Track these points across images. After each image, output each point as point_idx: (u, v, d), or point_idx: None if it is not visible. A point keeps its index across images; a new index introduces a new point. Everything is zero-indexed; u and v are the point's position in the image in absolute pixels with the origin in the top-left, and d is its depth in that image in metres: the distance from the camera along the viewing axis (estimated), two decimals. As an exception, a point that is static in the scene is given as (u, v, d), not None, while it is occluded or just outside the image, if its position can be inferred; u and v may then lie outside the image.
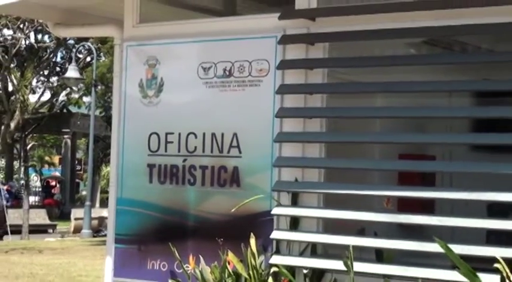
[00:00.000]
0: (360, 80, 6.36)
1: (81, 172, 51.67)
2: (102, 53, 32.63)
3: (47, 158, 58.29)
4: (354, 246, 5.38)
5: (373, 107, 6.45)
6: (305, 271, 5.82)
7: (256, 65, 6.22)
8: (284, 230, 6.01)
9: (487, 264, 4.89)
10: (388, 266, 5.48)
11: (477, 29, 5.63)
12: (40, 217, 31.42)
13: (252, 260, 5.81)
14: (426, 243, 5.28)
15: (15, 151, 39.93)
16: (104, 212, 24.25)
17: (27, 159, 37.44)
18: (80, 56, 33.58)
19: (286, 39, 6.09)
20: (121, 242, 6.84)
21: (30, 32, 28.71)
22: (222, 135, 6.36)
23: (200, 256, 6.16)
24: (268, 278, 5.78)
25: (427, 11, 5.61)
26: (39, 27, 27.25)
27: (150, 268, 6.64)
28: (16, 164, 43.30)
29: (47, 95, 35.44)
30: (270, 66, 6.15)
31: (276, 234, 5.97)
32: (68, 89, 34.04)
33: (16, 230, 27.71)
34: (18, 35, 27.27)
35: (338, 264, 5.42)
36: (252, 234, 5.88)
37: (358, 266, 5.33)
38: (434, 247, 5.06)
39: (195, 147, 6.49)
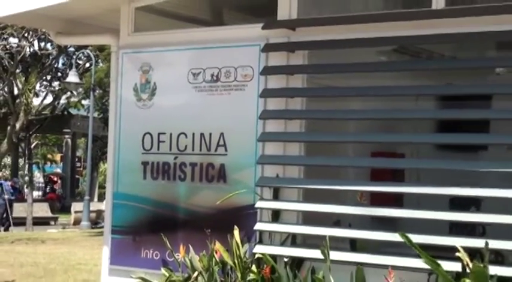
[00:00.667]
0: (336, 84, 6.37)
1: (81, 169, 51.47)
2: (100, 60, 32.54)
3: (49, 156, 58.06)
4: (330, 237, 5.41)
5: (348, 110, 6.44)
6: (286, 259, 5.81)
7: (241, 70, 6.22)
8: (266, 222, 6.01)
9: (450, 253, 4.92)
10: (361, 255, 5.50)
11: (441, 39, 5.65)
12: (43, 210, 31.32)
13: (237, 250, 5.82)
14: (396, 234, 5.28)
15: (20, 149, 39.80)
16: (102, 206, 24.16)
17: (31, 157, 37.27)
18: (80, 62, 33.45)
19: (268, 47, 6.09)
20: (117, 233, 6.82)
21: (34, 40, 28.55)
22: (210, 135, 6.36)
23: (190, 246, 6.17)
24: (251, 266, 5.78)
25: (396, 22, 5.63)
26: (42, 36, 27.12)
27: (144, 257, 6.63)
28: (21, 161, 43.15)
29: (49, 98, 35.27)
30: (254, 72, 6.16)
31: (259, 226, 5.98)
32: (69, 92, 33.90)
33: (21, 222, 27.65)
34: (23, 43, 27.15)
35: (316, 253, 5.47)
36: (237, 225, 5.91)
37: (334, 255, 5.36)
38: (402, 237, 5.09)
39: (185, 146, 6.48)
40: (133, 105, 6.79)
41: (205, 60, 6.42)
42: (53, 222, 30.77)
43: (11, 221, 27.31)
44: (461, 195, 5.39)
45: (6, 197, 28.01)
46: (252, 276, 5.75)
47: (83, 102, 37.28)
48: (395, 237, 5.27)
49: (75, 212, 30.23)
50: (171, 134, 6.56)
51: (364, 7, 6.74)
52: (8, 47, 26.19)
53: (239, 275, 5.77)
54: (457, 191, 5.32)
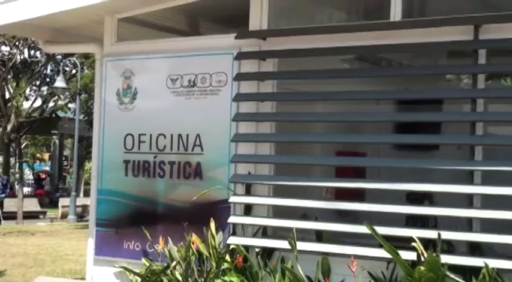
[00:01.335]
0: (304, 89, 6.37)
1: (68, 167, 51.10)
2: (85, 67, 32.35)
3: (38, 155, 57.59)
4: (297, 229, 5.44)
5: (314, 112, 6.45)
6: (257, 250, 5.82)
7: (216, 77, 6.21)
8: (239, 215, 6.00)
9: (406, 243, 4.94)
10: (326, 245, 5.50)
11: (398, 48, 5.68)
12: (32, 205, 31.02)
13: (212, 241, 5.81)
14: (358, 225, 5.31)
15: (11, 149, 39.43)
16: (87, 201, 24.01)
17: (22, 156, 36.99)
18: (67, 69, 33.27)
19: (241, 56, 6.09)
20: (101, 226, 6.77)
21: (24, 48, 28.36)
22: (187, 136, 6.33)
23: (168, 237, 6.16)
24: (225, 256, 5.77)
25: (357, 32, 5.65)
26: (32, 45, 26.95)
27: (126, 248, 6.59)
28: (12, 160, 42.76)
29: (38, 102, 35.05)
30: (227, 78, 6.14)
31: (232, 219, 5.97)
32: (56, 97, 33.68)
33: (12, 216, 27.45)
34: (14, 51, 26.97)
35: (285, 244, 5.47)
36: (212, 219, 5.91)
37: (302, 245, 5.39)
38: (364, 229, 5.11)
39: (164, 146, 6.46)
40: (116, 108, 6.75)
41: (182, 67, 6.40)
42: (41, 216, 30.49)
43: (1, 217, 27.00)
44: (416, 190, 5.42)
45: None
46: (226, 265, 5.74)
47: (70, 105, 37.01)
48: (357, 229, 5.31)
49: (63, 206, 30.01)
50: (151, 135, 6.53)
51: (329, 19, 6.76)
52: (0, 54, 25.96)
53: (214, 264, 5.75)
54: (412, 186, 5.35)
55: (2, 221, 26.59)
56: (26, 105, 33.56)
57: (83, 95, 32.41)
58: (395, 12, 5.57)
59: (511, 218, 4.91)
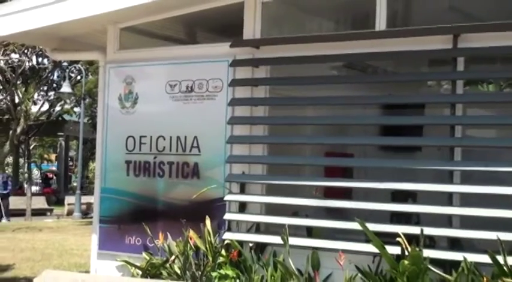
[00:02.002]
0: (295, 94, 6.35)
1: (73, 167, 51.10)
2: (89, 73, 32.35)
3: (45, 155, 57.59)
4: (289, 225, 5.42)
5: (305, 116, 6.45)
6: (251, 244, 5.79)
7: (212, 82, 6.18)
8: (234, 213, 5.98)
9: (391, 238, 4.93)
10: (316, 240, 5.48)
11: (383, 56, 5.67)
12: (40, 203, 30.98)
13: (209, 236, 5.80)
14: (346, 222, 5.30)
15: (20, 150, 39.35)
16: (91, 199, 23.97)
17: (30, 156, 36.97)
18: (72, 75, 33.18)
19: (236, 63, 6.06)
20: (104, 222, 6.74)
21: (32, 55, 28.27)
22: (185, 138, 6.30)
23: (168, 233, 6.14)
24: (221, 250, 5.76)
25: (345, 41, 5.63)
26: (40, 52, 26.84)
27: (128, 243, 6.56)
28: (21, 160, 42.68)
29: (46, 106, 34.94)
30: (223, 84, 6.12)
31: (227, 216, 5.94)
32: (62, 101, 33.64)
33: (21, 213, 27.41)
34: (23, 58, 26.91)
35: (277, 239, 5.46)
36: (208, 216, 5.88)
37: (293, 241, 5.37)
38: (352, 225, 5.11)
39: (164, 147, 6.42)
40: (118, 112, 6.72)
41: (181, 73, 6.37)
42: (49, 213, 30.46)
43: (3, 213, 26.85)
44: (400, 189, 5.40)
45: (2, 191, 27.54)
46: (221, 259, 5.72)
47: (75, 109, 36.94)
48: (345, 225, 5.30)
49: (68, 204, 30.01)
50: (151, 137, 6.50)
51: (318, 28, 6.75)
52: (10, 61, 25.91)
53: (210, 258, 5.74)
54: (397, 185, 5.33)
55: (4, 218, 26.40)
56: (34, 109, 33.49)
57: (87, 100, 32.40)
58: (380, 22, 5.56)
59: (488, 215, 4.91)
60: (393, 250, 4.88)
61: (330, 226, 5.47)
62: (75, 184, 40.71)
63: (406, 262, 4.64)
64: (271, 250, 5.64)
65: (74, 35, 7.12)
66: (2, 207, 26.99)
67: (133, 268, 6.18)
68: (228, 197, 5.95)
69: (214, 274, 5.60)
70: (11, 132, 31.47)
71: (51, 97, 34.92)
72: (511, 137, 6.06)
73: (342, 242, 5.29)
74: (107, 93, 6.82)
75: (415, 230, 4.94)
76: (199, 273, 5.74)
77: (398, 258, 4.80)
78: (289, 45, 5.87)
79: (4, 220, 26.14)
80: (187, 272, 5.78)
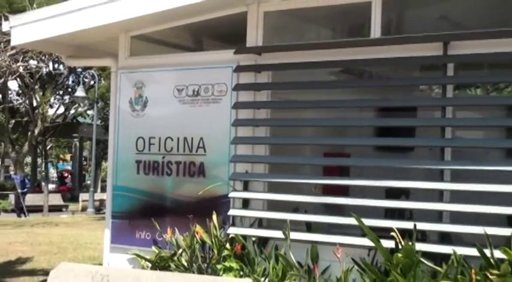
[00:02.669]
0: (295, 98, 6.33)
1: (87, 166, 51.09)
2: (102, 78, 32.39)
3: (61, 155, 57.61)
4: (290, 221, 5.40)
5: (305, 118, 6.44)
6: (254, 239, 5.77)
7: (217, 87, 6.16)
8: (238, 209, 5.96)
9: (385, 233, 4.91)
10: (315, 235, 5.47)
11: (378, 62, 5.65)
12: (56, 199, 31.04)
13: (214, 231, 5.79)
14: (343, 217, 5.29)
15: (38, 151, 39.40)
16: (104, 196, 23.99)
17: (47, 156, 37.11)
18: (86, 80, 33.26)
19: (239, 69, 6.04)
20: (116, 218, 6.72)
21: (49, 62, 28.34)
22: (192, 139, 6.28)
23: (175, 228, 6.13)
24: (226, 244, 5.74)
25: (342, 48, 5.61)
26: (56, 59, 26.90)
27: (138, 237, 6.54)
28: (39, 160, 42.75)
29: (61, 109, 35.08)
30: (227, 88, 6.09)
31: (232, 212, 5.92)
32: (77, 104, 33.72)
33: (38, 209, 27.48)
34: (41, 64, 26.94)
35: (278, 234, 5.45)
36: (214, 211, 5.87)
37: (293, 235, 5.36)
38: (349, 220, 5.09)
39: (172, 148, 6.40)
40: (129, 115, 6.70)
41: (187, 78, 6.34)
42: (64, 209, 30.48)
43: (24, 210, 26.88)
44: (394, 186, 5.37)
45: (19, 190, 27.57)
46: (226, 252, 5.70)
47: (88, 112, 37.04)
48: (343, 220, 5.28)
49: (82, 201, 30.09)
50: (159, 138, 6.48)
51: (317, 36, 6.73)
52: (28, 67, 25.93)
53: (216, 251, 5.72)
54: (390, 183, 5.30)
55: (28, 214, 26.42)
56: (50, 112, 33.60)
57: (100, 103, 32.43)
58: (375, 30, 5.54)
59: (476, 211, 4.89)
60: (387, 244, 4.87)
61: (328, 221, 5.46)
62: (88, 182, 40.77)
63: (399, 255, 4.63)
64: (273, 244, 5.61)
65: (87, 43, 7.12)
66: (23, 204, 27.03)
67: (143, 261, 6.16)
68: (232, 194, 5.93)
69: (219, 266, 5.58)
70: (29, 134, 31.54)
71: (67, 101, 35.03)
72: (497, 138, 6.05)
73: (339, 236, 5.27)
74: (119, 97, 6.80)
75: (408, 225, 4.92)
76: (205, 265, 5.72)
77: (392, 251, 4.79)
78: (289, 52, 5.86)
79: (23, 217, 26.16)
80: (193, 264, 5.76)
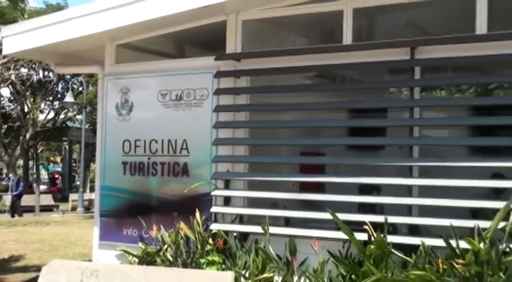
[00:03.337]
0: (272, 101, 6.31)
1: (76, 168, 50.71)
2: (90, 84, 32.14)
3: (51, 158, 57.05)
4: (269, 216, 5.40)
5: (282, 120, 6.43)
6: (235, 234, 5.76)
7: (199, 91, 6.13)
8: (220, 206, 5.95)
9: (358, 226, 4.92)
10: (293, 229, 5.47)
11: (349, 67, 5.67)
12: (47, 200, 30.76)
13: (198, 227, 5.77)
14: (319, 213, 5.28)
15: (29, 154, 39.03)
16: (92, 196, 23.81)
17: (38, 159, 36.71)
18: (75, 86, 33.00)
19: (220, 74, 6.02)
20: (104, 216, 6.67)
21: (39, 70, 28.07)
22: (176, 141, 6.25)
23: (161, 225, 6.09)
24: (209, 239, 5.72)
25: (316, 54, 5.62)
26: (46, 67, 26.67)
27: (125, 234, 6.49)
28: (30, 163, 42.34)
29: (51, 114, 34.73)
30: (209, 93, 6.07)
31: (214, 209, 5.90)
32: (66, 110, 33.45)
33: (30, 209, 27.22)
34: (31, 72, 26.70)
35: (258, 229, 5.44)
36: (197, 209, 5.85)
37: (272, 230, 5.35)
38: (324, 215, 5.08)
39: (156, 149, 6.36)
40: (116, 119, 6.66)
41: (171, 84, 6.31)
42: (55, 209, 30.21)
43: (20, 210, 26.60)
44: (366, 183, 5.39)
45: (15, 192, 27.27)
46: (209, 247, 5.67)
47: (77, 117, 36.71)
48: (319, 215, 5.28)
49: (72, 200, 29.83)
50: (145, 140, 6.44)
51: (293, 43, 6.74)
52: (19, 75, 25.70)
53: (199, 246, 5.69)
54: (363, 179, 5.32)
55: (19, 214, 26.13)
56: (41, 117, 33.29)
57: (88, 108, 32.19)
58: (347, 37, 5.54)
59: (442, 205, 4.92)
60: (361, 236, 4.87)
61: (305, 216, 5.45)
62: (78, 183, 40.47)
63: (372, 247, 4.63)
64: (253, 238, 5.59)
65: (75, 51, 7.06)
66: (15, 205, 26.74)
67: (130, 256, 6.11)
68: (214, 192, 5.91)
69: (202, 260, 5.55)
70: (21, 138, 31.24)
71: (56, 106, 34.69)
72: (461, 136, 6.09)
73: (316, 230, 5.27)
74: (105, 102, 6.76)
75: (379, 218, 4.93)
76: (189, 260, 5.68)
77: (365, 243, 4.78)
78: (266, 58, 5.85)
79: (17, 216, 25.87)
80: (178, 259, 5.73)
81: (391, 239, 4.76)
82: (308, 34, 6.75)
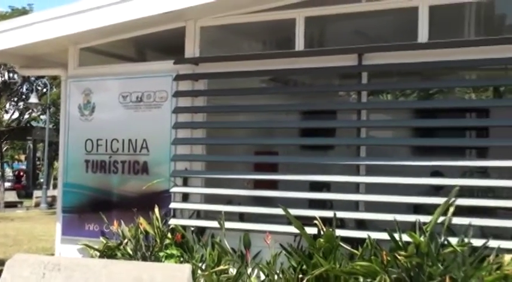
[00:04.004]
0: (229, 103, 6.29)
1: (40, 166, 49.72)
2: (54, 86, 31.57)
3: (16, 156, 55.86)
4: (224, 212, 5.38)
5: (237, 121, 6.41)
6: (192, 228, 5.73)
7: (158, 94, 6.06)
8: (178, 202, 5.91)
9: (309, 221, 4.93)
10: (247, 224, 5.46)
11: (301, 72, 5.69)
12: (12, 196, 30.05)
13: (157, 222, 5.71)
14: (272, 208, 5.28)
15: (-6, 152, 38.19)
16: (56, 192, 23.44)
17: (3, 157, 35.85)
18: (39, 87, 32.37)
19: (178, 77, 5.97)
20: (67, 212, 6.55)
21: (4, 71, 27.49)
22: (136, 140, 6.17)
23: (121, 220, 6.00)
24: (167, 234, 5.66)
25: (270, 59, 5.63)
26: (11, 69, 26.12)
27: (87, 229, 6.39)
28: (-5, 161, 41.42)
29: (16, 114, 34.04)
30: (168, 95, 6.01)
31: (173, 205, 5.85)
32: (30, 110, 32.82)
33: (-6, 206, 26.63)
34: (-4, 74, 26.18)
35: (214, 224, 5.43)
36: (156, 205, 5.78)
37: (228, 224, 5.33)
38: (277, 211, 5.08)
39: (117, 148, 6.27)
40: (78, 119, 6.54)
41: (132, 86, 6.22)
42: (19, 205, 29.54)
43: None
44: (316, 180, 5.40)
45: None
46: (167, 241, 5.62)
47: (41, 117, 36.02)
48: (271, 211, 5.28)
49: (36, 197, 29.23)
50: (106, 140, 6.34)
51: (249, 48, 6.74)
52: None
53: (158, 240, 5.63)
54: (313, 177, 5.34)
55: None
56: (6, 117, 32.57)
57: (52, 109, 31.60)
58: (299, 43, 5.55)
59: (387, 201, 4.97)
60: (311, 231, 4.88)
61: (259, 212, 5.45)
62: (42, 180, 39.69)
63: (321, 240, 4.65)
64: (210, 233, 5.57)
65: (39, 54, 6.91)
66: None
67: (92, 250, 6.01)
68: (173, 189, 5.86)
69: (161, 254, 5.49)
70: (-15, 137, 30.54)
71: (21, 107, 33.97)
72: (404, 137, 6.16)
73: (269, 225, 5.27)
74: (69, 103, 6.64)
75: (328, 213, 4.95)
76: (149, 253, 5.62)
77: (315, 237, 4.80)
78: (223, 63, 5.82)
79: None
80: (138, 252, 5.65)
81: (340, 232, 4.78)
82: (263, 40, 6.76)
